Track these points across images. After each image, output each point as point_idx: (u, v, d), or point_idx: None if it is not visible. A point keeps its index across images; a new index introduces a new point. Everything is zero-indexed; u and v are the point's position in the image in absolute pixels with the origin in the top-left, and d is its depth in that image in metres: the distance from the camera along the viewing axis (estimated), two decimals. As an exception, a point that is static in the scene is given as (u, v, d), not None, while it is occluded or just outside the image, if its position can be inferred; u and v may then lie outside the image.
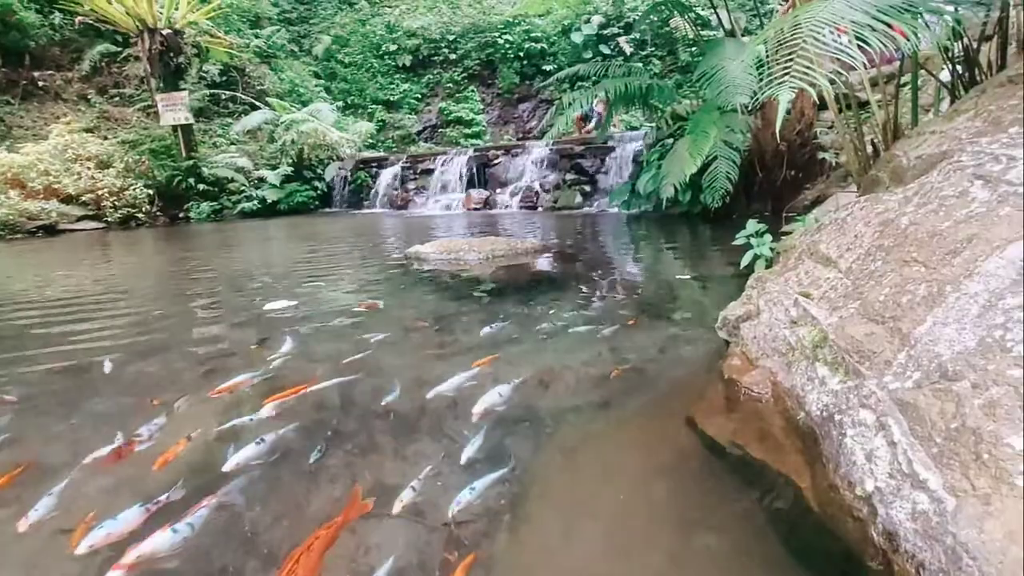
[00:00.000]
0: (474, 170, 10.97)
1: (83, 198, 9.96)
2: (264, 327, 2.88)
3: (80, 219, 9.86)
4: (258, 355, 2.43)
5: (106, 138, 11.48)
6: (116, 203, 10.18)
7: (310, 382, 2.06)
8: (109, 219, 10.07)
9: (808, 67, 1.98)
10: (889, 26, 1.97)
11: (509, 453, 1.54)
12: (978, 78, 2.81)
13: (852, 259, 1.62)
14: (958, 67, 2.91)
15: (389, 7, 17.33)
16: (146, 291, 4.26)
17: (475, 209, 10.39)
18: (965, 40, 2.82)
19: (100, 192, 10.08)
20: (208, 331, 2.98)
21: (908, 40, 2.14)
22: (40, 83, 12.24)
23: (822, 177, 6.38)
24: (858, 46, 2.02)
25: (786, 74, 2.01)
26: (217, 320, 3.21)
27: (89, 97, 12.55)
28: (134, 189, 10.48)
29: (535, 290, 3.49)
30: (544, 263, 4.43)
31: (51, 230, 9.36)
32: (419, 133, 16.06)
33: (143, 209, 10.53)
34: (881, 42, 1.95)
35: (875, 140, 3.30)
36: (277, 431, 1.70)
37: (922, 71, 3.20)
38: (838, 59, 2.16)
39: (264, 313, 3.13)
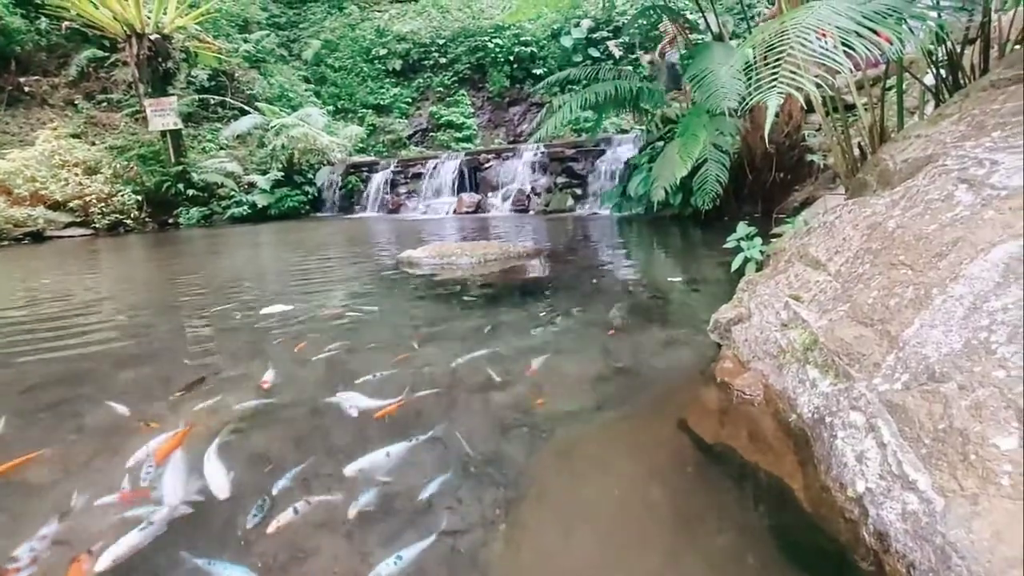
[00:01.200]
0: (465, 174, 10.98)
1: (71, 204, 9.87)
2: (253, 337, 2.86)
3: (68, 226, 9.77)
4: (177, 407, 1.95)
5: (94, 144, 11.37)
6: (104, 209, 10.09)
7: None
8: (97, 225, 9.98)
9: (795, 72, 2.00)
10: (874, 31, 2.01)
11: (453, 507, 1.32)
12: (962, 82, 2.86)
13: (841, 262, 1.64)
14: (942, 71, 2.96)
15: (379, 11, 17.32)
16: (134, 300, 4.21)
17: (467, 213, 10.39)
18: (948, 44, 2.87)
19: (88, 198, 9.99)
20: (196, 345, 2.95)
21: (893, 45, 2.18)
22: (26, 88, 12.12)
23: (811, 179, 6.45)
24: (844, 51, 2.05)
25: (774, 79, 2.04)
26: (207, 330, 3.18)
27: (76, 103, 12.42)
28: (122, 195, 10.39)
29: (528, 293, 3.49)
30: (536, 266, 4.44)
31: (38, 237, 9.26)
32: (410, 137, 16.04)
33: (132, 215, 10.44)
34: (866, 47, 1.98)
35: (862, 143, 3.34)
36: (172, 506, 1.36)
37: (907, 75, 3.25)
38: (824, 64, 2.20)
39: (255, 322, 3.11)
